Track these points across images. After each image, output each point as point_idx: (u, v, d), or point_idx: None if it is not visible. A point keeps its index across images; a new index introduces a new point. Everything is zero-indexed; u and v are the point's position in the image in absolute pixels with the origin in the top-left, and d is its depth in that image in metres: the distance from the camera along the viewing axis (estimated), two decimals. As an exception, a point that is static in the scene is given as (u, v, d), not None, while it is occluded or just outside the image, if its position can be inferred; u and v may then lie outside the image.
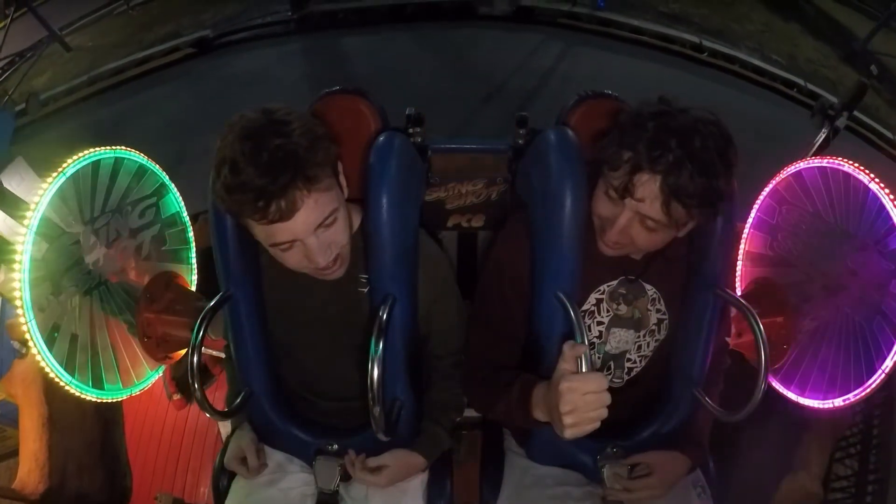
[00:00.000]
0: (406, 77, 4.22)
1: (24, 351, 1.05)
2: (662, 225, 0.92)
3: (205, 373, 1.89)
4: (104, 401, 1.11)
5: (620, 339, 1.12)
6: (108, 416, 1.37)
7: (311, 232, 0.91)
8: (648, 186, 0.89)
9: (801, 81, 4.89)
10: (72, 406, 1.15)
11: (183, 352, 1.25)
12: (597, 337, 1.12)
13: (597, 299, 1.10)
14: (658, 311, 1.12)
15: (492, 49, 5.12)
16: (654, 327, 1.12)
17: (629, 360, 1.14)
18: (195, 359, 0.99)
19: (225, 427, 1.75)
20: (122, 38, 5.53)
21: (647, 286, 1.11)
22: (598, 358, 1.13)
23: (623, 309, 1.10)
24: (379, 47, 5.21)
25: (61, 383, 1.01)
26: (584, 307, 1.10)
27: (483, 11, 5.49)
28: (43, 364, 0.98)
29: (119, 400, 1.16)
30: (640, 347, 1.13)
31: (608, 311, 1.10)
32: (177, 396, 1.85)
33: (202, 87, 4.67)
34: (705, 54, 5.15)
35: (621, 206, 0.93)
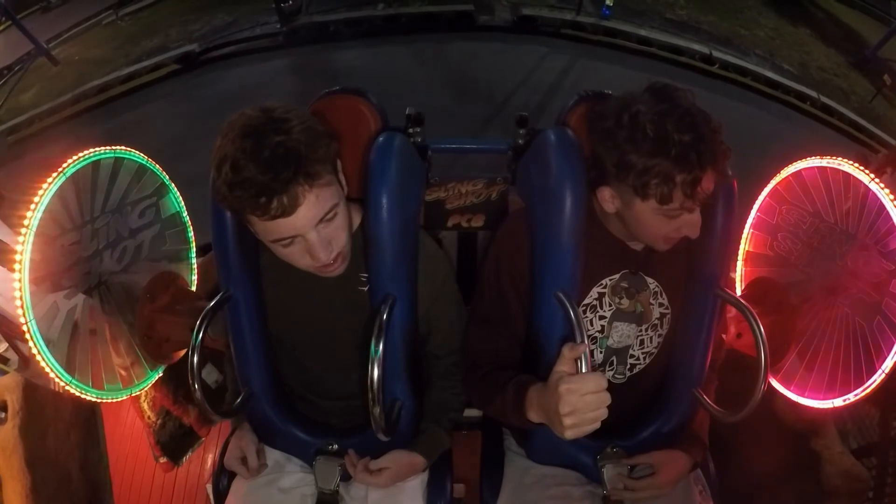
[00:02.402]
0: (402, 93, 4.12)
1: (2, 416, 1.04)
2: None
3: (191, 435, 1.86)
4: (104, 401, 1.11)
5: (623, 333, 1.12)
6: (96, 479, 1.34)
7: (312, 227, 0.92)
8: (709, 179, 0.92)
9: (814, 94, 4.84)
10: (56, 472, 1.13)
11: (183, 352, 1.25)
12: (599, 331, 1.12)
13: (599, 293, 1.10)
14: (661, 304, 1.12)
15: (493, 62, 4.94)
16: (656, 321, 1.12)
17: (632, 356, 1.14)
18: (195, 359, 0.99)
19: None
20: (109, 51, 5.46)
21: (649, 279, 1.11)
22: (601, 353, 1.13)
23: (625, 303, 1.10)
24: (373, 61, 5.04)
25: (61, 383, 1.01)
26: (586, 301, 1.10)
27: (483, 21, 5.31)
28: (43, 364, 0.98)
29: (107, 463, 1.13)
30: (642, 342, 1.13)
31: (610, 305, 1.11)
32: (163, 460, 1.82)
33: (188, 106, 4.55)
34: (716, 66, 5.05)
35: (691, 211, 0.95)
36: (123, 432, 1.80)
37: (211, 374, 1.74)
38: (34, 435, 1.07)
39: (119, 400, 1.15)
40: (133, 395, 1.18)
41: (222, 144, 0.88)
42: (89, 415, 1.39)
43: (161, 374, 1.61)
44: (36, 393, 1.16)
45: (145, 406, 1.74)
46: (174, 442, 1.82)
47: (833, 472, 1.15)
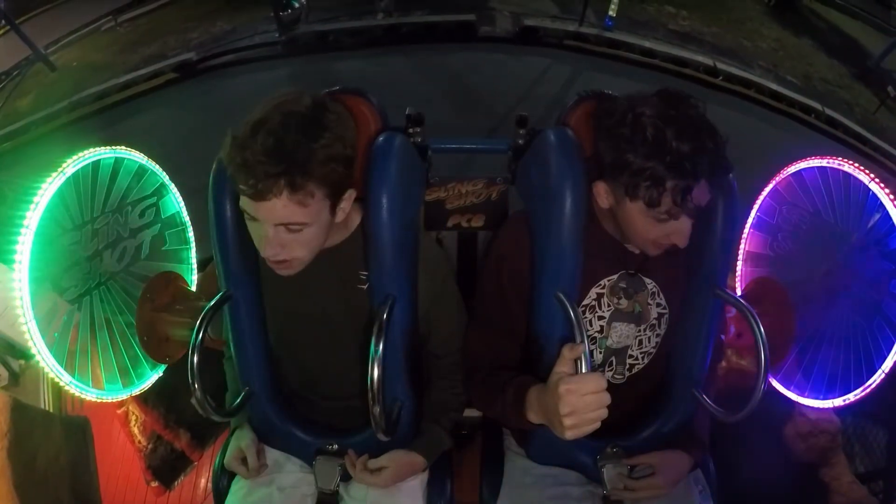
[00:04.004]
0: (402, 104, 4.12)
1: None
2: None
3: (183, 459, 1.84)
4: (104, 400, 1.11)
5: (622, 333, 1.12)
6: (86, 503, 1.33)
7: (270, 223, 0.92)
8: (703, 191, 0.92)
9: (818, 106, 4.82)
10: (46, 496, 1.11)
11: (183, 352, 1.25)
12: (598, 332, 1.12)
13: (597, 294, 1.10)
14: (658, 304, 1.12)
15: (495, 74, 4.84)
16: (654, 321, 1.12)
17: (631, 356, 1.14)
18: (195, 359, 0.99)
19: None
20: (107, 58, 5.37)
21: (647, 280, 1.11)
22: (600, 353, 1.13)
23: (624, 303, 1.11)
24: (373, 72, 4.94)
25: (61, 383, 1.01)
26: (585, 302, 1.10)
27: (484, 32, 5.20)
28: (43, 364, 0.98)
29: (97, 486, 1.11)
30: (641, 343, 1.13)
31: (609, 305, 1.11)
32: (154, 484, 1.79)
33: (186, 115, 4.47)
34: (720, 78, 5.00)
35: (676, 218, 0.95)
36: (114, 455, 1.78)
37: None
38: (23, 457, 1.05)
39: (118, 399, 1.15)
40: (133, 394, 1.18)
41: (265, 105, 0.89)
42: (80, 437, 1.37)
43: (150, 398, 1.61)
44: (25, 414, 1.15)
45: (136, 430, 1.72)
46: (166, 466, 1.80)
47: (843, 502, 1.14)
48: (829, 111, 4.82)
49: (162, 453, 1.79)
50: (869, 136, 4.74)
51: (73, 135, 4.36)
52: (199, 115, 4.43)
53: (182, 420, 1.77)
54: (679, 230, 0.96)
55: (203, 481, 1.85)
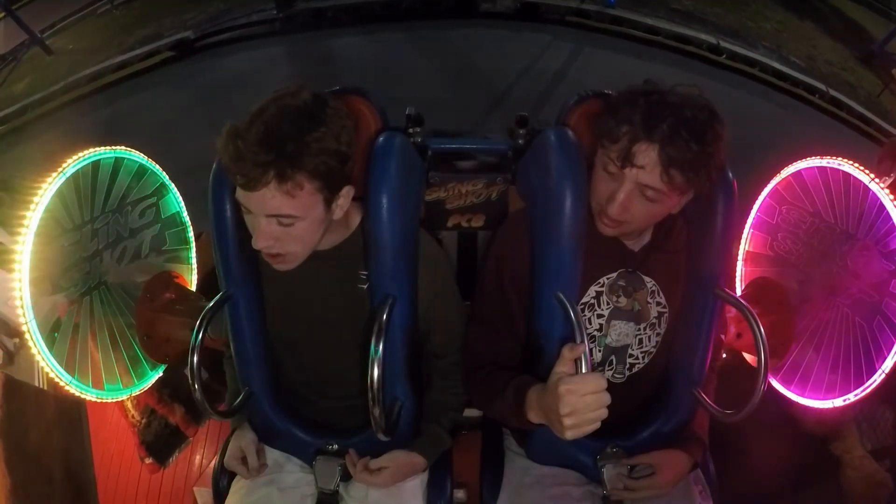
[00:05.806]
0: (401, 82, 3.94)
1: None
2: (662, 194, 0.94)
3: (177, 435, 1.82)
4: (104, 401, 1.11)
5: (621, 331, 1.12)
6: (80, 480, 1.30)
7: (262, 214, 0.92)
8: (648, 154, 0.91)
9: (822, 87, 4.80)
10: (38, 473, 1.10)
11: (183, 352, 1.25)
12: (597, 330, 1.12)
13: (596, 292, 1.10)
14: (658, 303, 1.12)
15: (495, 51, 4.83)
16: (654, 320, 1.12)
17: (631, 355, 1.14)
18: (195, 359, 0.99)
19: (201, 496, 1.71)
20: (103, 41, 5.35)
21: (647, 278, 1.11)
22: (600, 351, 1.13)
23: (623, 301, 1.11)
24: (372, 49, 4.92)
25: (61, 383, 1.01)
26: (584, 300, 1.10)
27: (485, 8, 5.17)
28: (43, 364, 0.98)
29: (92, 465, 1.11)
30: (641, 342, 1.13)
31: (608, 303, 1.11)
32: (149, 460, 1.77)
33: (183, 94, 4.46)
34: (723, 56, 4.97)
35: (621, 179, 0.95)
36: (109, 431, 1.77)
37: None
38: (15, 434, 1.05)
39: (118, 399, 1.15)
40: (133, 395, 1.18)
41: (269, 97, 0.90)
42: (74, 414, 1.36)
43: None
44: (18, 391, 1.14)
45: (129, 405, 1.70)
46: (160, 442, 1.78)
47: (855, 476, 1.14)
48: (833, 92, 4.80)
49: (156, 428, 1.76)
50: (873, 117, 4.72)
51: (70, 117, 4.30)
52: (197, 92, 4.39)
53: (176, 395, 1.74)
54: (615, 194, 0.96)
55: (198, 458, 1.82)
